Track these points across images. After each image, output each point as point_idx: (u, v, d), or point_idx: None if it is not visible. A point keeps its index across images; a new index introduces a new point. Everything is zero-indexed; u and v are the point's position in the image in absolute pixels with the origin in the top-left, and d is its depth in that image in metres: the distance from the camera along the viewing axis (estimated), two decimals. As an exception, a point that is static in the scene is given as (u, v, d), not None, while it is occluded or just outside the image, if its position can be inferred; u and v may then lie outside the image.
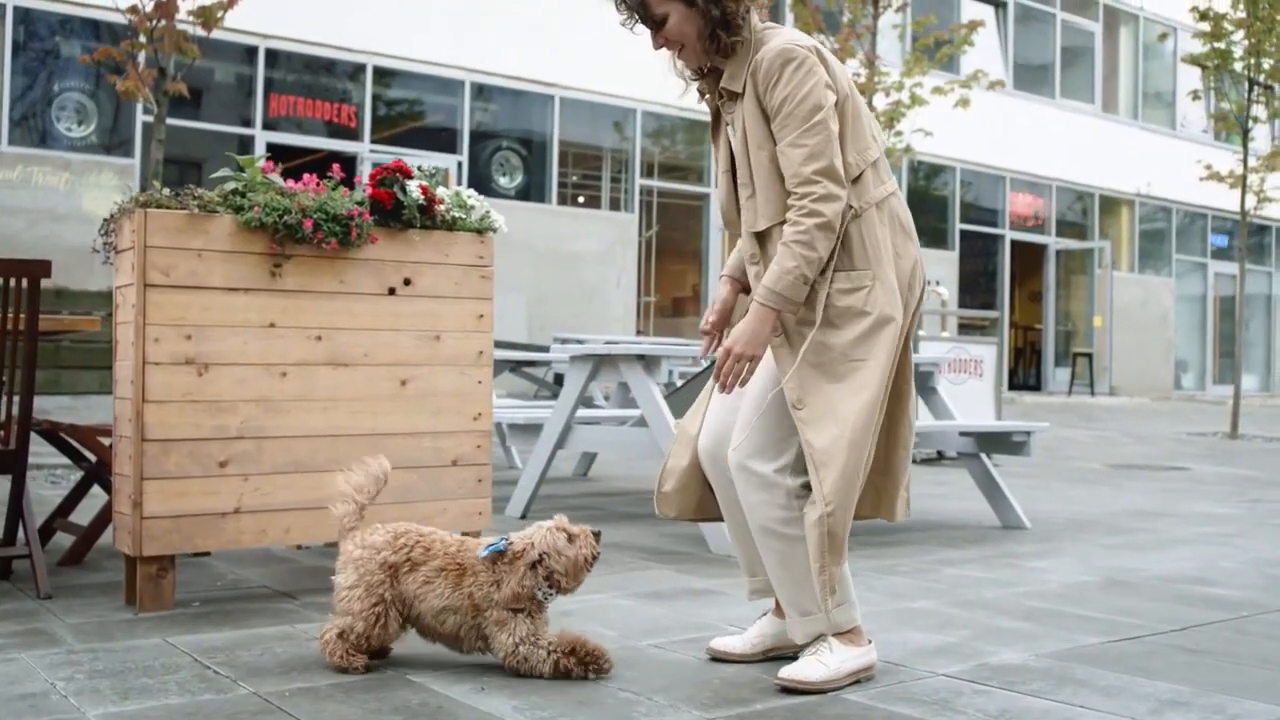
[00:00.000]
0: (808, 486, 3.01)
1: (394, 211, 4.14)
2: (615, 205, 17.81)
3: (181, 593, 3.94)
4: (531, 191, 16.65)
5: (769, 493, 2.99)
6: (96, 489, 4.89)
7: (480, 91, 16.28)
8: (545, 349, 9.74)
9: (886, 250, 3.03)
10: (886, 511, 3.18)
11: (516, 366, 9.01)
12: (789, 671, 2.94)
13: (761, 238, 3.03)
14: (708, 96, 3.23)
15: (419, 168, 4.25)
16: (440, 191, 4.28)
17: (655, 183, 18.14)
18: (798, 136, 2.93)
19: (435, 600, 3.04)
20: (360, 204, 4.05)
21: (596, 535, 3.09)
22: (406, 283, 4.17)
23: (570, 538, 3.05)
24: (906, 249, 3.10)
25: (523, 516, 6.13)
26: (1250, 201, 16.71)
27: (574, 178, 17.61)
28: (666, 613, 3.87)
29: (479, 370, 4.34)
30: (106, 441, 4.36)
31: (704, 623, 3.72)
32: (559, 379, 10.31)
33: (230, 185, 3.93)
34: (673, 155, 18.62)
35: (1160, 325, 24.70)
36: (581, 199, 17.64)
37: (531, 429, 6.54)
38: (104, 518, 4.41)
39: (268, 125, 14.44)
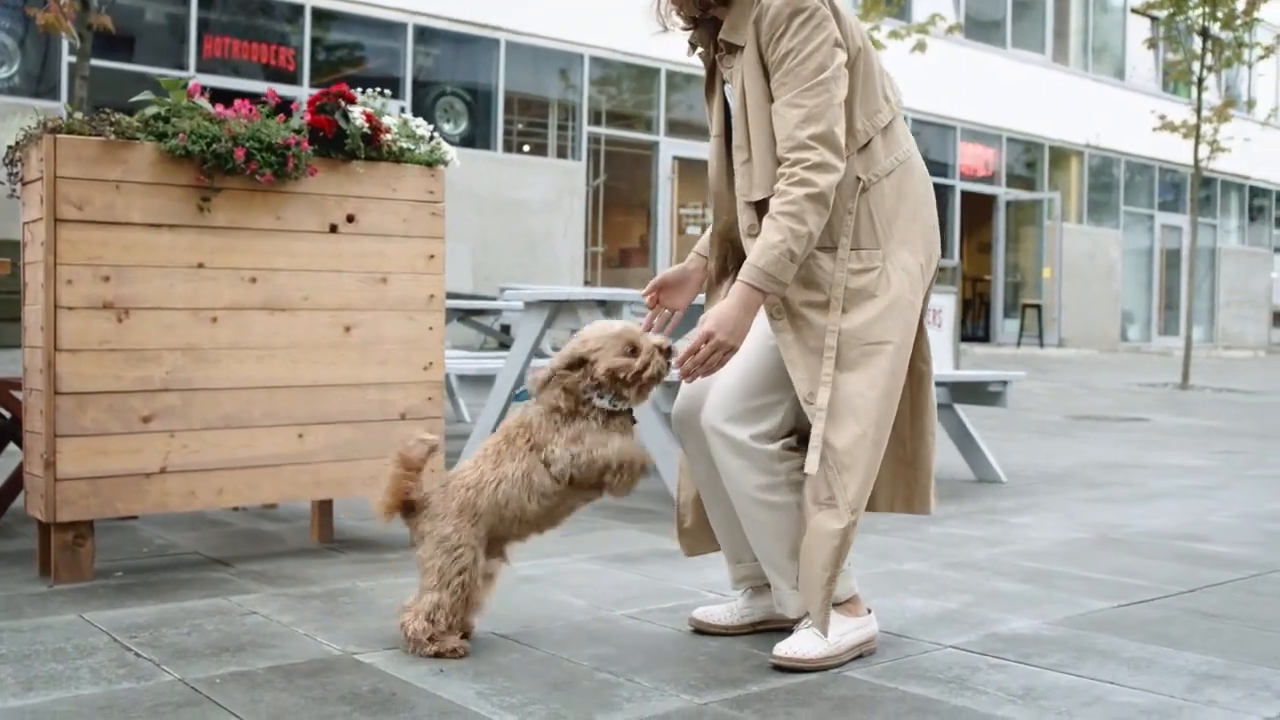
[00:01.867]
0: (789, 449, 2.69)
1: (335, 140, 3.75)
2: (562, 153, 17.37)
3: (103, 561, 3.57)
4: (476, 139, 16.16)
5: (747, 458, 2.66)
6: (13, 447, 4.48)
7: (423, 35, 15.75)
8: (494, 299, 9.36)
9: (900, 224, 2.70)
10: (920, 505, 2.87)
11: (465, 315, 8.62)
12: (785, 648, 2.63)
13: (760, 208, 2.66)
14: (701, 50, 2.85)
15: (362, 92, 3.87)
16: (387, 120, 3.90)
17: (603, 130, 17.71)
18: (796, 96, 2.57)
19: (514, 476, 2.68)
20: (298, 132, 3.66)
21: (666, 353, 2.68)
22: (350, 219, 3.79)
23: (634, 349, 2.66)
24: (927, 218, 2.77)
25: (474, 473, 5.78)
26: (1204, 152, 16.56)
27: (520, 125, 17.14)
28: (638, 578, 3.55)
29: (430, 316, 3.98)
30: (20, 395, 3.96)
31: (680, 589, 3.41)
32: (506, 329, 9.95)
33: (152, 110, 3.53)
34: (621, 103, 18.18)
35: (1107, 277, 24.67)
36: (527, 147, 17.18)
37: (482, 381, 6.19)
38: (17, 480, 4.02)
39: (202, 68, 13.83)
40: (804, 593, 2.64)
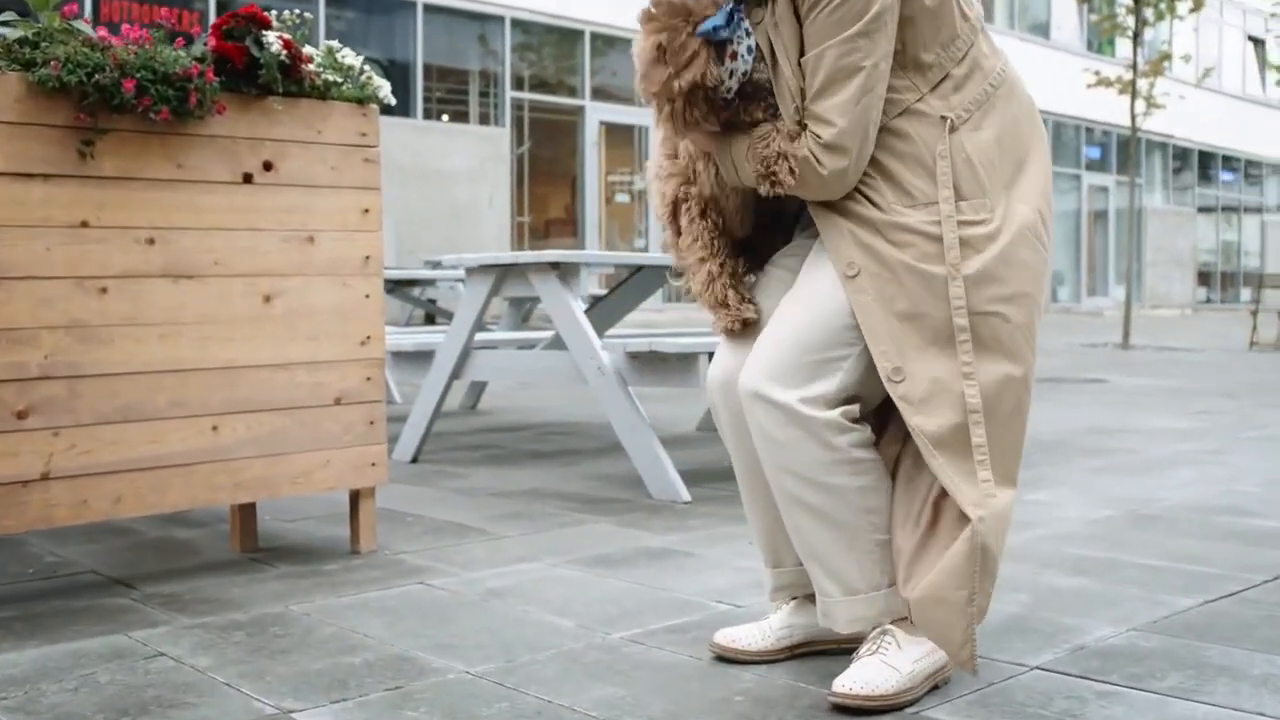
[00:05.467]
0: (850, 419, 2.13)
1: (247, 72, 3.11)
2: (485, 120, 16.68)
3: (-25, 588, 2.93)
4: (395, 106, 15.38)
5: (798, 428, 2.09)
6: None
7: (335, -4, 14.97)
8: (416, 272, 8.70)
9: (1006, 165, 2.14)
10: None
11: (395, 287, 7.97)
12: (850, 682, 2.07)
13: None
14: None
15: (279, 16, 3.23)
16: (308, 49, 3.27)
17: (526, 95, 17.03)
18: (822, 53, 2.03)
19: None
20: (200, 61, 3.03)
21: None
22: (267, 167, 3.16)
23: None
24: (1036, 154, 2.21)
25: (413, 460, 5.19)
26: (1139, 107, 16.28)
27: (440, 92, 16.42)
28: (628, 586, 2.98)
29: (366, 281, 3.36)
30: None
31: (683, 599, 2.84)
32: (433, 302, 9.32)
33: (15, 34, 2.87)
34: (543, 68, 17.51)
35: (1036, 238, 24.47)
36: (446, 116, 16.47)
37: (418, 358, 5.55)
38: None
39: (97, 33, 12.94)
40: (934, 621, 2.10)
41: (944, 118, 2.09)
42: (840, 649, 2.34)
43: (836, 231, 2.13)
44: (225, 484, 3.09)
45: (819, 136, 2.05)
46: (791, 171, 2.08)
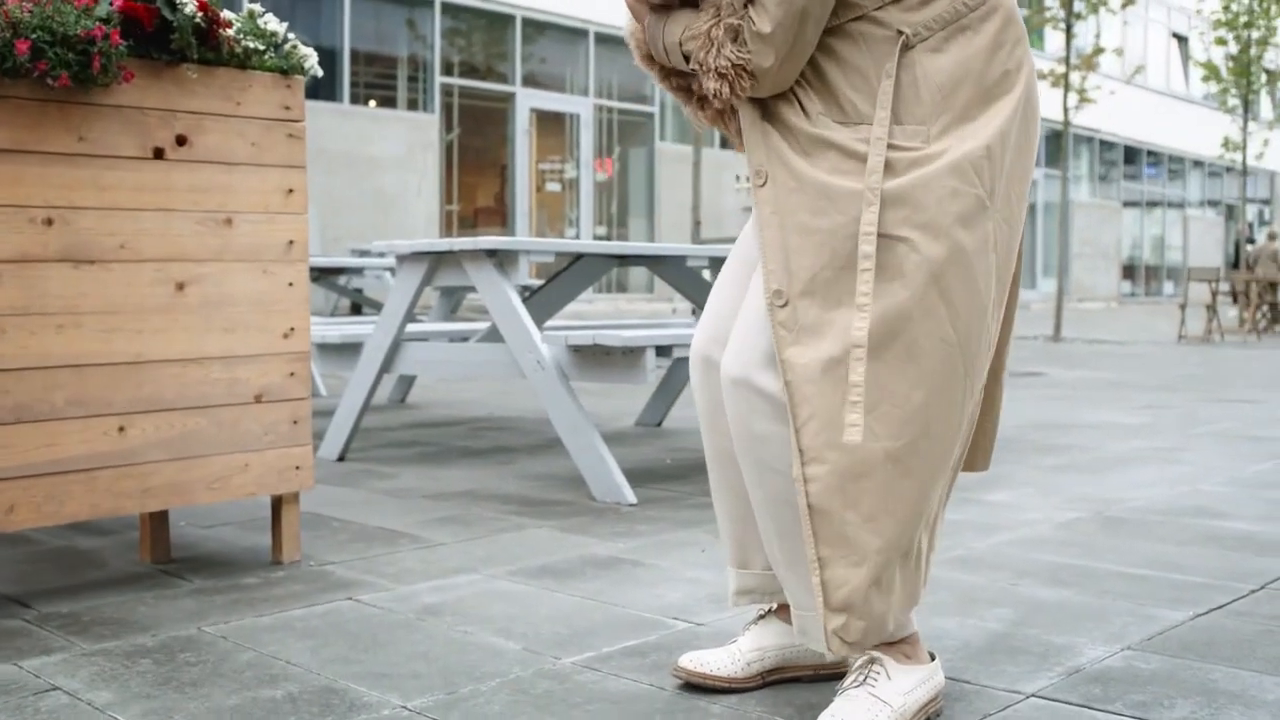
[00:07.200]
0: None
1: (158, 36, 2.82)
2: (414, 105, 16.30)
3: None
4: (320, 89, 14.98)
5: (783, 422, 1.87)
6: None
7: (258, -24, 14.51)
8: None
9: (962, 94, 1.86)
10: (981, 463, 2.16)
11: (320, 275, 7.64)
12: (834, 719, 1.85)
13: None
14: None
15: (192, -24, 2.94)
16: (227, 14, 2.99)
17: (456, 81, 16.67)
18: None
19: None
20: (105, 22, 2.73)
21: None
22: (181, 142, 2.87)
23: None
24: (1016, 80, 1.93)
25: (340, 458, 4.91)
26: (1071, 101, 16.33)
27: (367, 76, 16.01)
28: (576, 602, 2.74)
29: (289, 268, 3.09)
30: None
31: (638, 617, 2.61)
32: (359, 292, 9.01)
33: (-106, -12, 2.56)
34: (471, 54, 17.16)
35: (966, 231, 24.53)
36: (374, 101, 16.06)
37: (344, 349, 5.27)
38: None
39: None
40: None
41: (900, 32, 1.86)
42: (818, 677, 2.13)
43: (755, 134, 1.93)
44: (132, 491, 2.80)
45: (753, 22, 1.84)
46: (754, 79, 1.86)
